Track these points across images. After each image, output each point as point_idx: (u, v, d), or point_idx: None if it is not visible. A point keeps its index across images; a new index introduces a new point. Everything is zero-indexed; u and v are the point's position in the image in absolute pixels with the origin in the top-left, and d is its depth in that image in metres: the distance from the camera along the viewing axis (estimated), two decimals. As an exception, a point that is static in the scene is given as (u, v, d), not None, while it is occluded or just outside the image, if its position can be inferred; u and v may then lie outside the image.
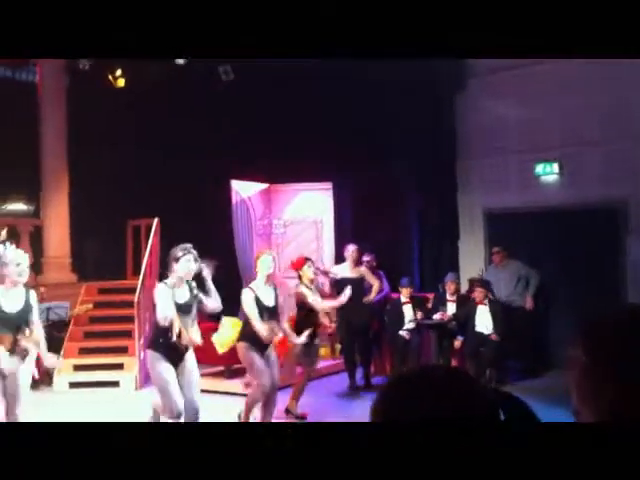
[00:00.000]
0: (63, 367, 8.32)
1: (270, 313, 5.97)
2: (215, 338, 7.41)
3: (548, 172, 9.32)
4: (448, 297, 8.60)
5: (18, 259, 5.02)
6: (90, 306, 8.21)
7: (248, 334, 5.96)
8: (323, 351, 9.77)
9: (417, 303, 8.66)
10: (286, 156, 10.11)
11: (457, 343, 8.32)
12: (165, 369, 5.16)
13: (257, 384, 5.99)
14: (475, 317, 8.22)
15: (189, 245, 5.37)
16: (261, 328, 5.82)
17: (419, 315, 8.50)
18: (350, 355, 8.32)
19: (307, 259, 7.01)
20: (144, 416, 5.83)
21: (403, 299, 8.59)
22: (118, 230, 10.44)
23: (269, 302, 6.00)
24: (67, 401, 7.83)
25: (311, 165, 10.07)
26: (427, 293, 9.26)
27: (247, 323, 6.02)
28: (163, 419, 5.32)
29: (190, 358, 5.36)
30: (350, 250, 8.29)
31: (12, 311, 4.95)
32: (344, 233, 10.22)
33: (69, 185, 10.17)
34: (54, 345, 8.84)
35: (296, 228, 11.03)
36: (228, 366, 8.27)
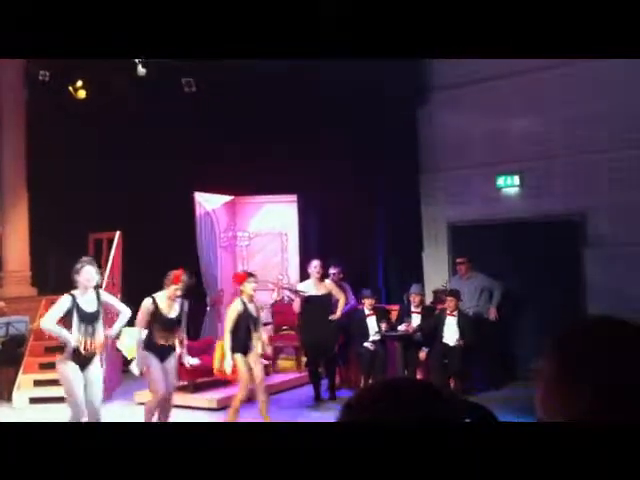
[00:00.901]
0: (22, 383, 8.14)
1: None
2: (120, 346, 7.54)
3: (509, 184, 9.46)
4: (413, 309, 8.65)
5: None
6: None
7: (148, 343, 6.26)
8: (288, 364, 9.77)
9: (381, 315, 8.70)
10: (251, 168, 10.10)
11: (422, 354, 8.36)
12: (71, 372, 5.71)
13: (153, 391, 6.35)
14: (443, 328, 8.27)
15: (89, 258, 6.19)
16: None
17: (384, 326, 8.53)
18: (315, 368, 8.31)
19: (250, 275, 7.12)
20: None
21: (366, 311, 8.61)
22: (79, 243, 10.28)
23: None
24: (27, 418, 7.67)
25: (276, 178, 10.07)
26: (392, 305, 9.31)
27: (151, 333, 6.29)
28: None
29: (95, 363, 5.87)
30: (314, 265, 8.27)
31: None
32: (309, 245, 10.24)
33: (29, 199, 10.00)
34: (14, 360, 8.66)
35: (261, 240, 11.00)
36: (192, 380, 8.19)
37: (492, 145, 9.53)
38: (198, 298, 10.45)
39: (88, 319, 5.71)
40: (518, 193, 9.47)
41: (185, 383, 8.13)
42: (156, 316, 6.26)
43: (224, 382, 8.61)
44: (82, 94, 10.05)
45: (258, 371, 6.98)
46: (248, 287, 6.93)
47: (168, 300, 6.32)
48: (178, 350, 6.50)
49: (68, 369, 5.71)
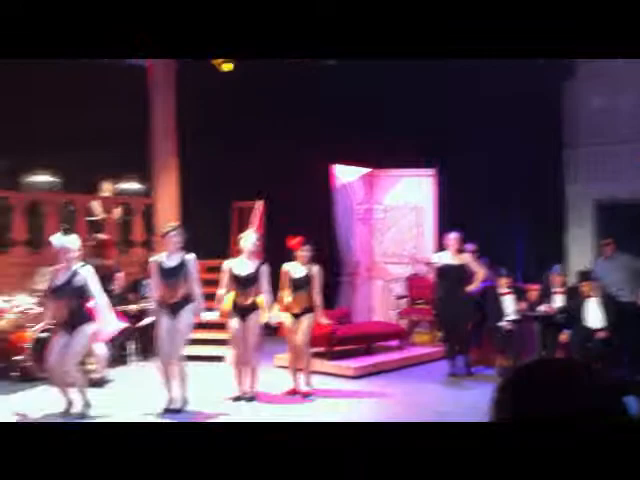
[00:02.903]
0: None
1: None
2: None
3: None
4: (555, 289, 8.41)
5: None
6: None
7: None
8: (424, 338, 9.80)
9: (519, 294, 8.52)
10: (389, 141, 10.11)
11: (563, 337, 8.13)
12: None
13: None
14: (583, 311, 8.00)
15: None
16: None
17: (522, 306, 8.36)
18: (450, 342, 8.28)
19: (306, 243, 7.21)
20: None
21: (502, 289, 8.46)
22: (224, 211, 10.75)
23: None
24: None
25: (414, 151, 10.03)
26: (531, 284, 9.08)
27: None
28: None
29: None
30: (451, 238, 8.20)
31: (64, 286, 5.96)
32: (446, 220, 10.15)
33: (179, 166, 10.51)
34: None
35: (396, 214, 11.03)
36: (328, 348, 8.39)
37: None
38: (334, 269, 10.67)
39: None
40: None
41: (323, 350, 8.34)
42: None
43: (363, 350, 8.81)
44: (228, 67, 10.39)
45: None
46: (302, 254, 7.11)
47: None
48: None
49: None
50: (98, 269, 7.35)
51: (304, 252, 7.10)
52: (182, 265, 6.34)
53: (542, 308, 8.32)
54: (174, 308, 6.29)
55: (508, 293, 8.43)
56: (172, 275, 6.32)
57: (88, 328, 6.09)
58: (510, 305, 8.40)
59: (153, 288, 6.54)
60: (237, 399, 6.80)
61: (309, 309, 7.07)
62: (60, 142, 9.89)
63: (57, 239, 6.14)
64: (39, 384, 7.10)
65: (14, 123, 9.49)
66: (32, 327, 7.39)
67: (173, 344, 6.25)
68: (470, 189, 9.91)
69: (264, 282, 6.80)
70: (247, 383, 6.85)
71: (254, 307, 6.75)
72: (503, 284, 8.44)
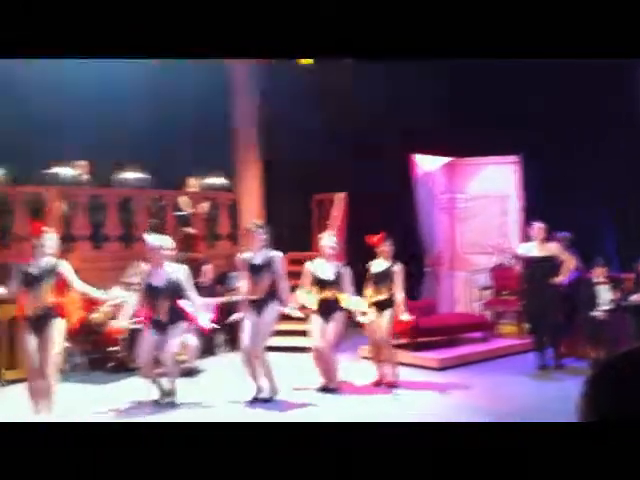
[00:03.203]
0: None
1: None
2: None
3: None
4: (648, 278, 8.09)
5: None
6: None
7: None
8: (510, 329, 9.62)
9: (615, 283, 8.23)
10: (471, 129, 9.94)
11: (658, 327, 7.82)
12: None
13: None
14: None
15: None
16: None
17: (616, 296, 8.08)
18: (538, 334, 8.09)
19: (387, 238, 7.23)
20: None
21: (596, 279, 8.19)
22: (305, 204, 10.87)
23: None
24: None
25: (497, 139, 9.82)
26: (627, 273, 8.75)
27: None
28: None
29: None
30: (537, 227, 7.99)
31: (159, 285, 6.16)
32: (531, 209, 9.90)
33: (261, 160, 10.69)
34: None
35: (480, 203, 10.84)
36: (412, 339, 8.37)
37: None
38: (417, 260, 10.61)
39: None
40: None
41: (406, 341, 8.33)
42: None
43: (447, 342, 8.76)
44: (308, 60, 10.46)
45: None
46: (385, 248, 7.15)
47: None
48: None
49: None
50: (187, 262, 7.63)
51: (386, 247, 7.17)
52: (268, 263, 6.46)
53: (635, 297, 8.01)
54: (259, 304, 6.43)
55: (603, 283, 8.16)
56: (258, 272, 6.46)
57: (182, 326, 6.32)
58: (604, 295, 8.13)
59: (240, 283, 6.68)
60: (321, 389, 6.90)
61: (390, 303, 7.09)
62: (149, 139, 10.25)
63: (152, 238, 6.36)
64: (131, 375, 7.41)
65: (107, 127, 9.91)
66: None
67: (257, 338, 6.40)
68: (557, 176, 9.62)
69: (347, 284, 6.89)
70: (330, 375, 6.92)
71: (336, 306, 6.81)
72: (599, 274, 8.17)
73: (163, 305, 6.18)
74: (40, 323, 5.45)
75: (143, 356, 6.28)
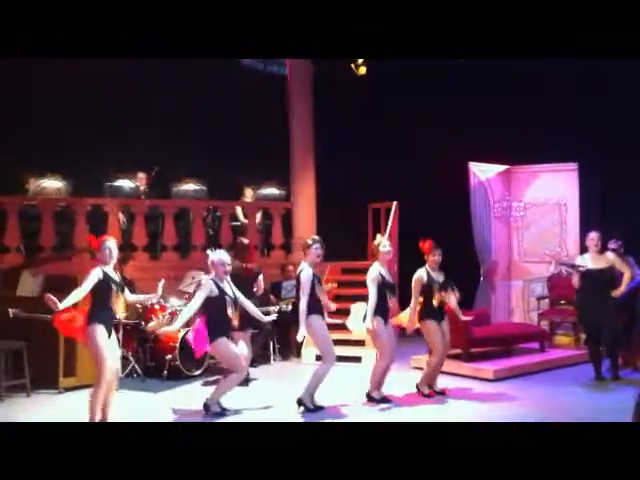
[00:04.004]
0: (308, 340, 8.87)
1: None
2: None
3: None
4: None
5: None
6: (335, 284, 8.65)
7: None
8: (566, 340, 9.41)
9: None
10: (527, 136, 9.80)
11: None
12: None
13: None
14: None
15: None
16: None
17: (676, 307, 7.81)
18: (595, 346, 7.89)
19: (437, 247, 7.05)
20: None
21: (655, 289, 7.95)
22: (359, 213, 10.90)
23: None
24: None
25: (554, 145, 9.66)
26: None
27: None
28: None
29: None
30: (591, 237, 7.78)
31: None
32: (590, 217, 9.67)
33: (315, 170, 10.80)
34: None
35: (537, 211, 10.66)
36: (466, 350, 8.28)
37: None
38: (472, 269, 10.50)
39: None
40: None
41: (460, 351, 8.25)
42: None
43: (501, 353, 8.63)
44: (363, 70, 10.54)
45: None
46: (433, 258, 7.01)
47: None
48: None
49: None
50: (241, 271, 7.77)
51: (436, 256, 7.07)
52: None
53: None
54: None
55: (661, 293, 7.92)
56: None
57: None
58: (663, 305, 7.89)
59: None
60: (371, 399, 6.89)
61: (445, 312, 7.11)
62: (206, 151, 10.50)
63: (215, 254, 6.47)
64: (185, 382, 7.58)
65: (164, 139, 10.20)
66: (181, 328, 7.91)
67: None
68: (613, 183, 9.38)
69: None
70: (382, 384, 6.93)
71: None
72: (656, 284, 7.94)
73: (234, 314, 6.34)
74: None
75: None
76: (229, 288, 6.35)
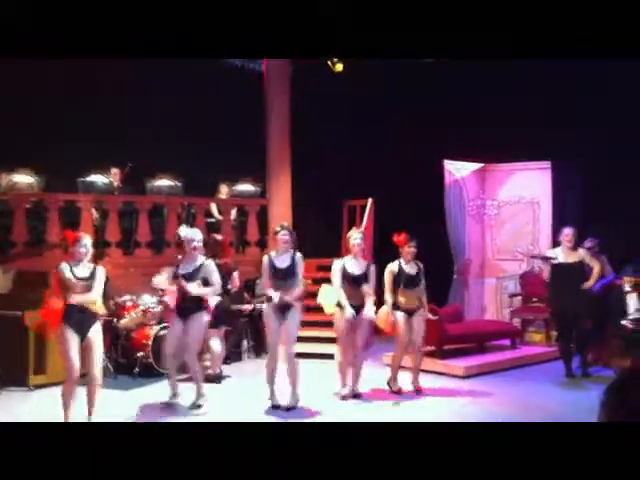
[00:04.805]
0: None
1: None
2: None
3: None
4: (681, 287, 7.92)
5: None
6: (309, 282, 8.66)
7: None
8: (538, 337, 9.51)
9: (643, 292, 8.08)
10: (501, 135, 9.86)
11: (689, 337, 7.64)
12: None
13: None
14: None
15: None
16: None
17: (646, 304, 7.93)
18: (566, 342, 7.99)
19: (411, 239, 7.09)
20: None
21: (626, 287, 8.06)
22: (335, 210, 10.91)
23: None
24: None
25: (528, 144, 9.73)
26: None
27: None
28: None
29: None
30: (565, 234, 7.89)
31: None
32: (563, 215, 9.77)
33: (291, 168, 10.77)
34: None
35: (511, 209, 10.75)
36: (439, 346, 8.33)
37: None
38: (446, 266, 10.57)
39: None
40: None
41: (433, 348, 8.29)
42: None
43: (474, 350, 8.70)
44: (339, 67, 10.53)
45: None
46: (407, 250, 7.05)
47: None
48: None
49: None
50: (217, 267, 7.73)
51: (410, 248, 7.07)
52: (292, 265, 6.45)
53: (667, 307, 7.85)
54: (281, 307, 6.45)
55: (633, 292, 8.03)
56: (281, 274, 6.42)
57: (203, 317, 6.44)
58: (634, 304, 8.00)
59: (264, 285, 6.67)
60: (343, 397, 6.90)
61: (419, 307, 7.09)
62: (181, 147, 10.43)
63: (183, 230, 6.60)
64: (157, 380, 7.54)
65: (139, 135, 10.12)
66: (153, 325, 7.89)
67: (290, 344, 6.41)
68: (586, 182, 9.49)
69: (372, 282, 6.85)
70: (352, 380, 6.94)
71: (363, 305, 6.79)
72: (628, 282, 8.05)
73: (188, 295, 6.33)
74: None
75: (170, 342, 6.50)
76: (191, 268, 6.37)
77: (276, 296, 6.29)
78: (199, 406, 6.47)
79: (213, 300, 6.69)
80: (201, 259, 6.48)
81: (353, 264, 6.86)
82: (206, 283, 6.42)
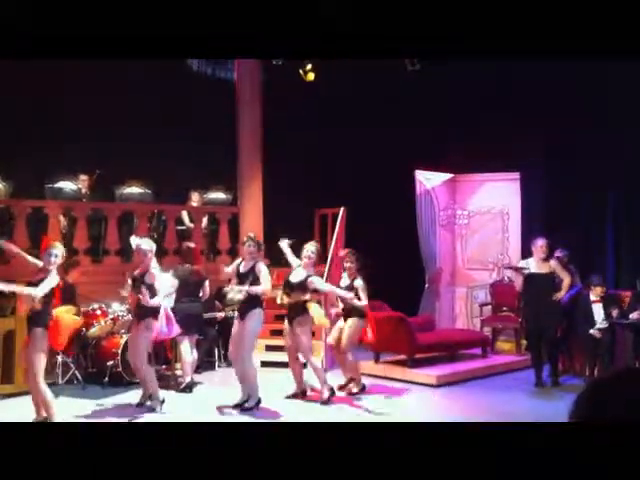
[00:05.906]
0: (257, 347, 8.82)
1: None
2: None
3: None
4: (647, 296, 8.05)
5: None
6: (280, 291, 8.62)
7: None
8: (508, 346, 9.59)
9: (611, 301, 8.19)
10: (471, 146, 9.97)
11: (656, 345, 7.77)
12: None
13: None
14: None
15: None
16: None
17: (615, 313, 8.05)
18: (536, 351, 8.07)
19: (352, 254, 7.57)
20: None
21: (593, 297, 8.18)
22: (306, 218, 10.89)
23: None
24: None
25: (497, 155, 9.85)
26: (624, 290, 8.72)
27: None
28: None
29: None
30: (539, 245, 7.99)
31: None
32: (532, 225, 9.90)
33: (262, 176, 10.74)
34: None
35: (481, 219, 10.84)
36: (411, 355, 8.35)
37: None
38: (417, 275, 10.61)
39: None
40: None
41: (404, 357, 8.31)
42: None
43: (444, 359, 8.73)
44: (311, 77, 10.55)
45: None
46: (346, 265, 7.57)
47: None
48: None
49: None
50: (188, 275, 7.73)
51: (347, 263, 7.53)
52: (251, 271, 6.68)
53: (634, 316, 7.97)
54: (242, 312, 6.61)
55: (599, 301, 8.15)
56: (242, 280, 6.69)
57: (150, 323, 6.47)
58: (601, 313, 8.11)
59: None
60: (291, 397, 7.19)
61: (350, 313, 7.42)
62: (151, 154, 10.33)
63: (133, 240, 6.64)
64: (127, 389, 7.43)
65: (108, 140, 10.00)
66: (123, 333, 7.76)
67: (239, 347, 6.60)
68: (554, 193, 9.63)
69: (309, 291, 7.06)
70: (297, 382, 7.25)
71: (301, 312, 6.97)
72: (594, 292, 8.17)
73: (138, 300, 6.46)
74: None
75: (129, 354, 6.77)
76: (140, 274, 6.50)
77: (231, 289, 6.73)
78: (153, 409, 6.55)
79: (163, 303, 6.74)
80: (154, 267, 6.60)
81: (296, 272, 7.11)
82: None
